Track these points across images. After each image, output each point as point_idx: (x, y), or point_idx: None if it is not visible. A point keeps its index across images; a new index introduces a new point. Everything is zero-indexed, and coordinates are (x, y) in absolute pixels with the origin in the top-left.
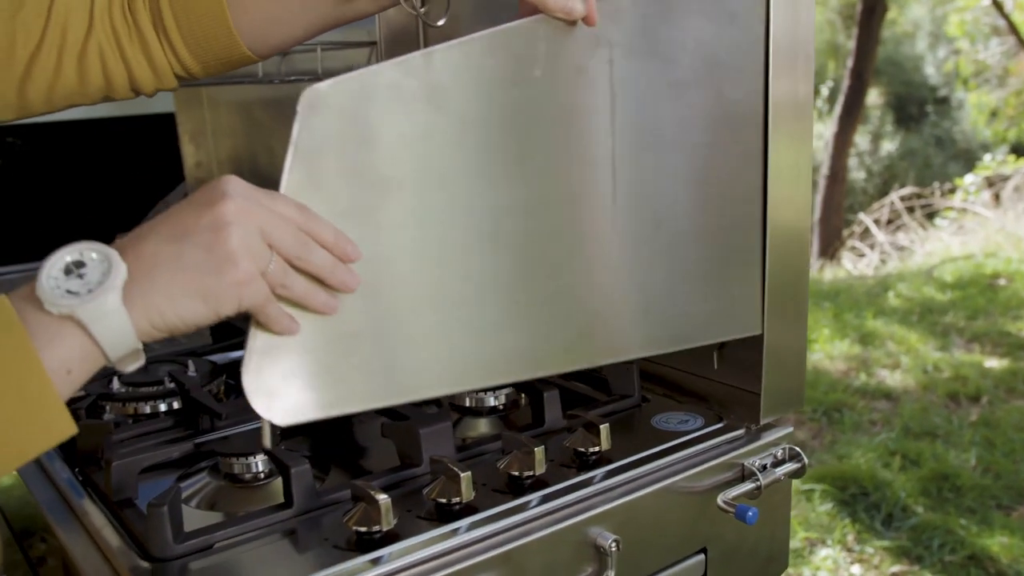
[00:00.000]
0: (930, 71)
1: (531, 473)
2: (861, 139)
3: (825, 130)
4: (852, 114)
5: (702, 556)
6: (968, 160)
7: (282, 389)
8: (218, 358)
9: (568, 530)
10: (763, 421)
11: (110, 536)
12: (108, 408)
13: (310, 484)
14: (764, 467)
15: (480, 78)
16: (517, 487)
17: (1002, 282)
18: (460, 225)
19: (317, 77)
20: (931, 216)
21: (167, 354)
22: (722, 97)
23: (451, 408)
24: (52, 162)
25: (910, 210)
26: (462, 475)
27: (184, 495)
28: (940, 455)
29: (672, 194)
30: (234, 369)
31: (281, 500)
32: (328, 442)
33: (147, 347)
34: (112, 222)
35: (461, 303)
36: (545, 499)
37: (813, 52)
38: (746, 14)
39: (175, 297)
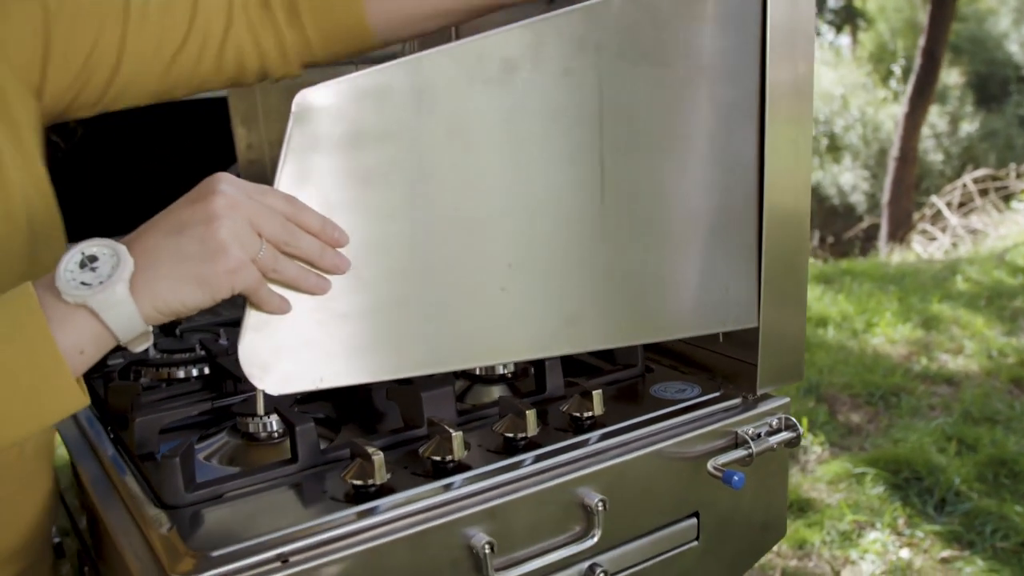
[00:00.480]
0: (1014, 48)
1: (524, 435)
2: (939, 120)
3: (897, 111)
4: (924, 94)
5: (694, 520)
6: None
7: (273, 363)
8: None
9: (556, 489)
10: (760, 392)
11: (132, 485)
12: (143, 372)
13: (314, 442)
14: (758, 436)
15: (467, 81)
16: (511, 448)
17: None
18: (445, 217)
19: (365, 62)
20: (1007, 199)
21: (204, 324)
22: (715, 94)
23: (463, 376)
24: (112, 146)
25: (983, 192)
26: (454, 434)
27: (206, 453)
28: (999, 441)
29: (662, 190)
30: None
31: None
32: (346, 406)
33: (188, 317)
34: (167, 202)
35: (446, 290)
36: (536, 459)
37: (814, 32)
38: (741, 14)
39: (175, 285)
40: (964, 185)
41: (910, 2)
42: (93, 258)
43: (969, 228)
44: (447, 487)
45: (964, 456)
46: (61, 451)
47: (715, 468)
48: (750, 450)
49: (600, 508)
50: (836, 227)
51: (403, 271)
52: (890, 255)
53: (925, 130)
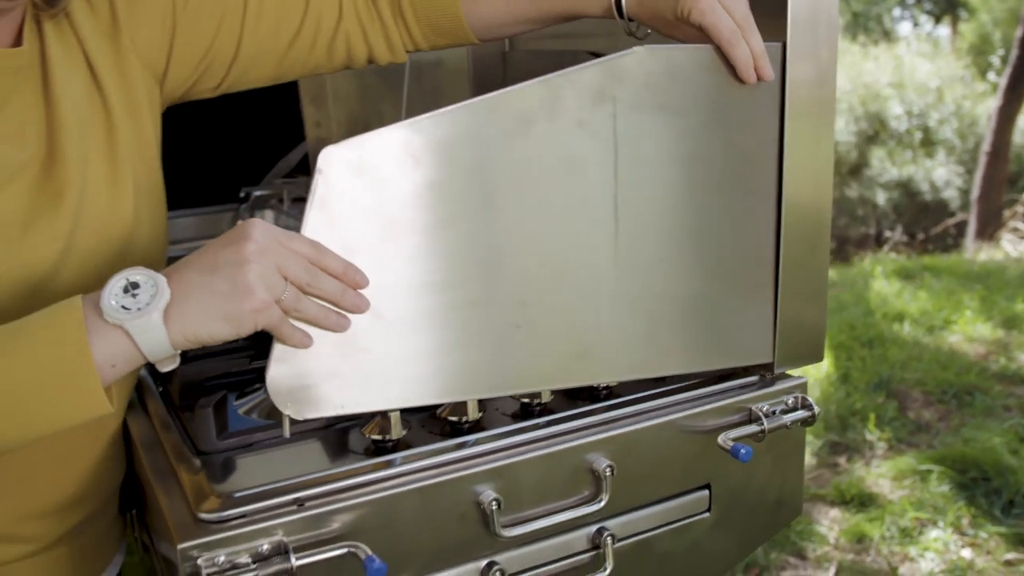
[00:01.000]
0: None
1: (540, 401)
2: None
3: (991, 104)
4: (1019, 87)
5: (706, 492)
6: None
7: (298, 391)
8: None
9: (565, 453)
10: (777, 371)
11: (172, 434)
12: None
13: None
14: (772, 413)
15: (483, 135)
16: (527, 413)
17: None
18: (460, 260)
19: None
20: None
21: None
22: (733, 142)
23: None
24: (188, 123)
25: None
26: None
27: (246, 407)
28: None
29: (677, 229)
30: None
31: None
32: None
33: None
34: (240, 177)
35: (460, 327)
36: (549, 424)
37: (837, 33)
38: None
39: (205, 318)
40: None
41: None
42: (136, 285)
43: None
44: (460, 445)
45: None
46: None
47: (725, 441)
48: (763, 426)
49: (608, 474)
50: (927, 223)
51: (420, 310)
52: (977, 252)
53: (1021, 124)
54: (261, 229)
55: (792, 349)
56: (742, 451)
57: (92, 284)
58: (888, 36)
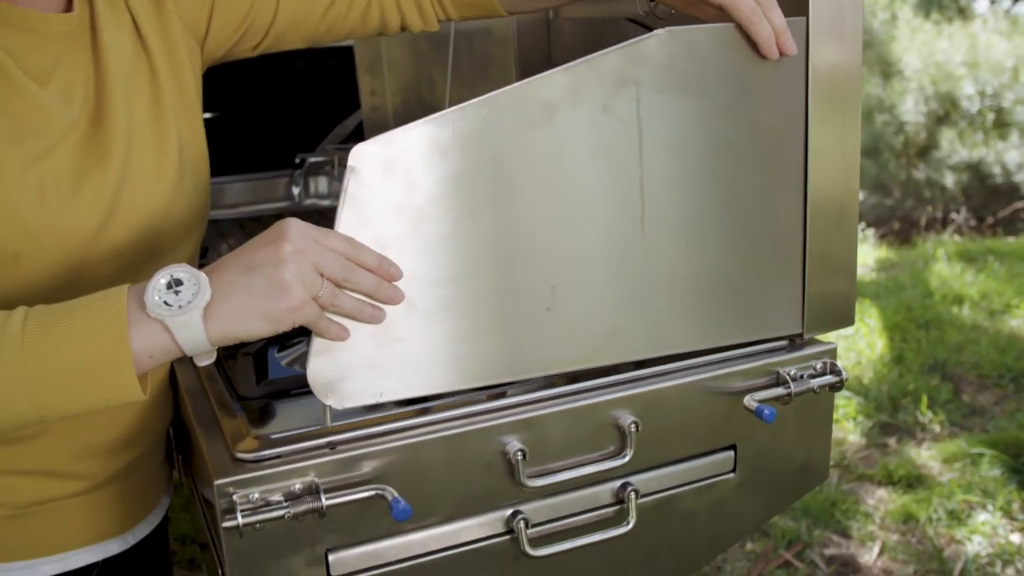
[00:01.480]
0: None
1: None
2: None
3: None
4: None
5: (731, 452)
6: None
7: (338, 382)
8: None
9: (591, 408)
10: (806, 336)
11: (216, 381)
12: None
13: None
14: (800, 377)
15: (508, 125)
16: None
17: None
18: (490, 248)
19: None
20: None
21: None
22: (757, 120)
23: None
24: (247, 90)
25: None
26: None
27: (289, 358)
28: None
29: (702, 211)
30: None
31: None
32: None
33: None
34: (296, 143)
35: (493, 313)
36: (575, 379)
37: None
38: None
39: (243, 317)
40: None
41: None
42: (179, 282)
43: None
44: (489, 398)
45: None
46: None
47: (750, 402)
48: (789, 390)
49: (633, 430)
50: (996, 207)
51: (452, 298)
52: None
53: None
54: (297, 229)
55: (821, 316)
56: (766, 411)
57: (138, 241)
58: (963, 14)
